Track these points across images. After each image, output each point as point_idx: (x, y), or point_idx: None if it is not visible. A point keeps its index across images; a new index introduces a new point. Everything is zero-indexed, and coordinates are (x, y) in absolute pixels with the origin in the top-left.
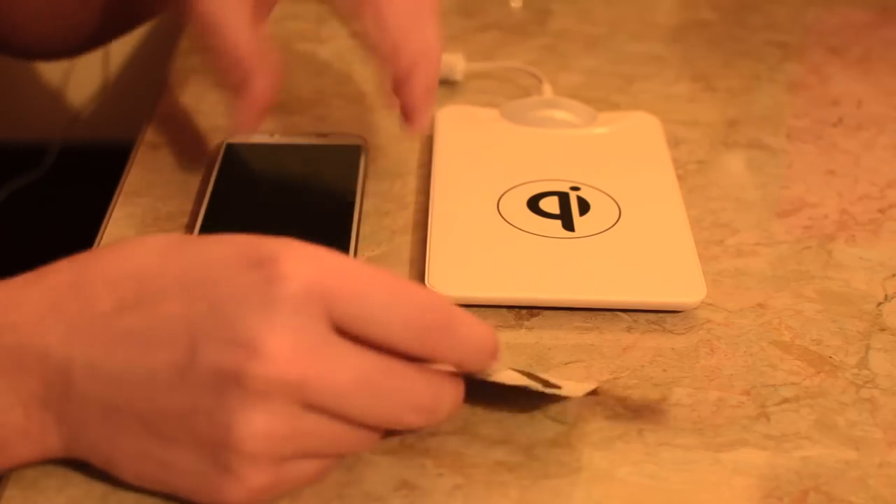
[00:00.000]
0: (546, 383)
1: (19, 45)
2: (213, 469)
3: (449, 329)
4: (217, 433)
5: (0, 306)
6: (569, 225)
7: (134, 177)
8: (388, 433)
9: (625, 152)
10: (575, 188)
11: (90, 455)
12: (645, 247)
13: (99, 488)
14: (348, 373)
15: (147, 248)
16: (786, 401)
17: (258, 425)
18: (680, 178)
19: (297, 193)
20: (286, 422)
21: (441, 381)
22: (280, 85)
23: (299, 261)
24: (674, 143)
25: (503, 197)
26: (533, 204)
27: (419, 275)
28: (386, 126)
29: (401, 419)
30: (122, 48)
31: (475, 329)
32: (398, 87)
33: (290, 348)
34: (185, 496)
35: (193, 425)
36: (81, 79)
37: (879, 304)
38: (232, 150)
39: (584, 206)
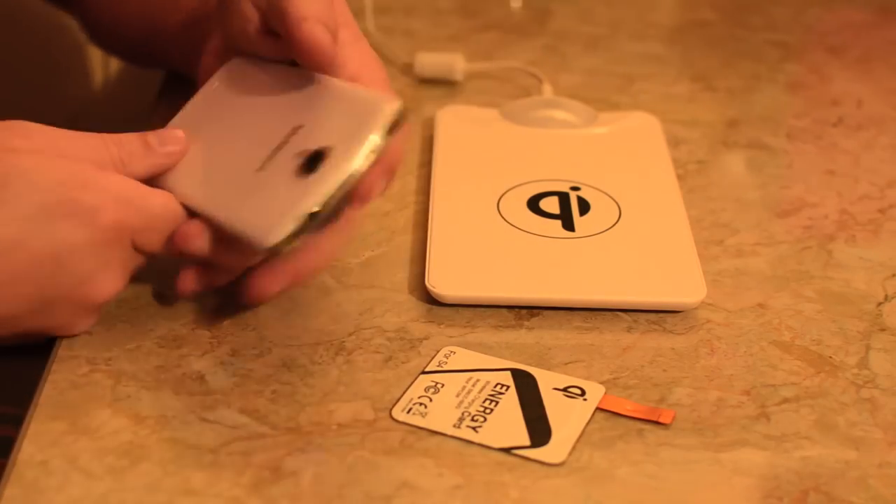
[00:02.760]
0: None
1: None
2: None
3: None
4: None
5: None
6: (569, 225)
7: None
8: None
9: (625, 152)
10: (575, 188)
11: None
12: (645, 247)
13: (99, 488)
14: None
15: None
16: (786, 401)
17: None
18: (680, 178)
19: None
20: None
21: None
22: None
23: (113, 207)
24: (674, 143)
25: (503, 197)
26: (533, 204)
27: (419, 275)
28: None
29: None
30: None
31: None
32: None
33: (114, 275)
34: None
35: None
36: (81, 78)
37: (879, 304)
38: None
39: (584, 206)
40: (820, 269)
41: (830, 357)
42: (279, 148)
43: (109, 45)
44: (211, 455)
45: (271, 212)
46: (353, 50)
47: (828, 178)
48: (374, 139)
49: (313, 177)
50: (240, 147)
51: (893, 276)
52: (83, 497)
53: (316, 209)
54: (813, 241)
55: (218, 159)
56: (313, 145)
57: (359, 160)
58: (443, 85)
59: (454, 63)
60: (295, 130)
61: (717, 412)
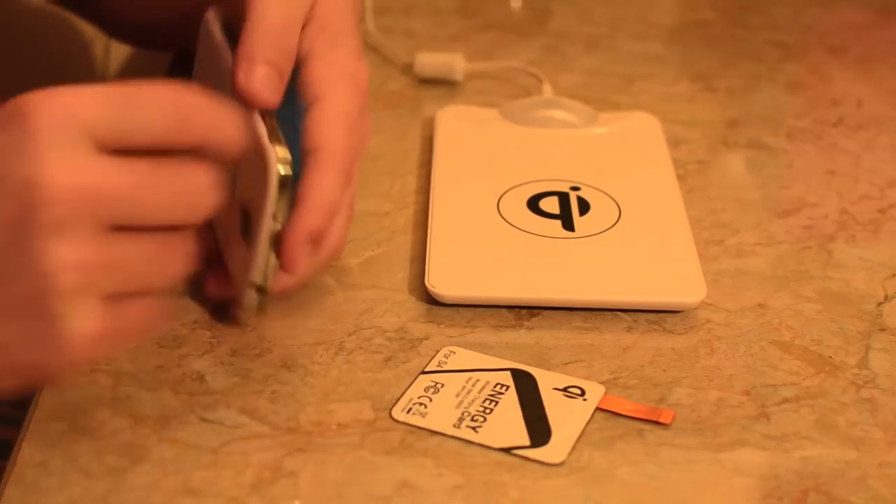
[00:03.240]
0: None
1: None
2: (41, 323)
3: (200, 109)
4: (29, 283)
5: None
6: (569, 225)
7: None
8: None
9: (625, 152)
10: (575, 188)
11: None
12: (645, 247)
13: (99, 488)
14: (127, 176)
15: None
16: (786, 401)
17: (65, 255)
18: (680, 178)
19: None
20: (92, 246)
21: (203, 163)
22: None
23: (43, 98)
24: (674, 143)
25: (503, 197)
26: (533, 204)
27: (419, 275)
28: (385, 126)
29: (190, 204)
30: (122, 47)
31: (220, 106)
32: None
33: (64, 174)
34: (28, 370)
35: (4, 289)
36: (81, 78)
37: (879, 304)
38: None
39: (584, 206)
40: (820, 269)
41: (830, 357)
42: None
43: (122, 29)
44: (211, 455)
45: (237, 282)
46: (321, 64)
47: (828, 178)
48: (270, 209)
49: (248, 243)
50: None
51: (893, 276)
52: (83, 497)
53: (257, 282)
54: (813, 241)
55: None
56: (243, 202)
57: (264, 233)
58: (443, 85)
59: (454, 63)
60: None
61: (717, 412)
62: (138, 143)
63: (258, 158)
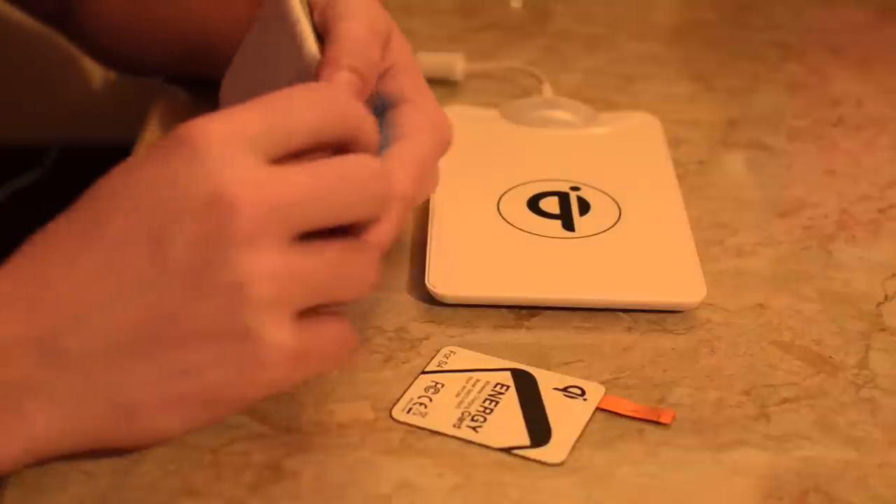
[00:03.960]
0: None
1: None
2: (235, 341)
3: (349, 105)
4: (221, 299)
5: None
6: (569, 225)
7: None
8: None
9: (625, 152)
10: (575, 188)
11: (101, 430)
12: (645, 247)
13: (99, 487)
14: (303, 178)
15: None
16: (786, 401)
17: (256, 266)
18: (680, 178)
19: None
20: (281, 257)
21: (365, 155)
22: None
23: (203, 123)
24: (674, 143)
25: (503, 197)
26: (533, 204)
27: (419, 275)
28: None
29: (368, 195)
30: None
31: (357, 102)
32: None
33: (245, 189)
34: (222, 396)
35: (196, 309)
36: (81, 78)
37: (879, 304)
38: None
39: (584, 206)
40: (820, 269)
41: (830, 357)
42: None
43: (111, 58)
44: (211, 455)
45: None
46: (412, 109)
47: (828, 178)
48: None
49: None
50: None
51: (893, 276)
52: (83, 497)
53: None
54: (813, 241)
55: None
56: None
57: None
58: (443, 85)
59: (454, 63)
60: None
61: (717, 412)
62: (300, 146)
63: None
